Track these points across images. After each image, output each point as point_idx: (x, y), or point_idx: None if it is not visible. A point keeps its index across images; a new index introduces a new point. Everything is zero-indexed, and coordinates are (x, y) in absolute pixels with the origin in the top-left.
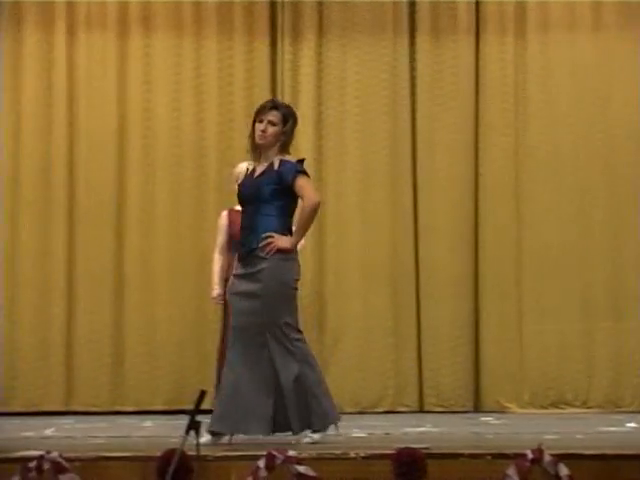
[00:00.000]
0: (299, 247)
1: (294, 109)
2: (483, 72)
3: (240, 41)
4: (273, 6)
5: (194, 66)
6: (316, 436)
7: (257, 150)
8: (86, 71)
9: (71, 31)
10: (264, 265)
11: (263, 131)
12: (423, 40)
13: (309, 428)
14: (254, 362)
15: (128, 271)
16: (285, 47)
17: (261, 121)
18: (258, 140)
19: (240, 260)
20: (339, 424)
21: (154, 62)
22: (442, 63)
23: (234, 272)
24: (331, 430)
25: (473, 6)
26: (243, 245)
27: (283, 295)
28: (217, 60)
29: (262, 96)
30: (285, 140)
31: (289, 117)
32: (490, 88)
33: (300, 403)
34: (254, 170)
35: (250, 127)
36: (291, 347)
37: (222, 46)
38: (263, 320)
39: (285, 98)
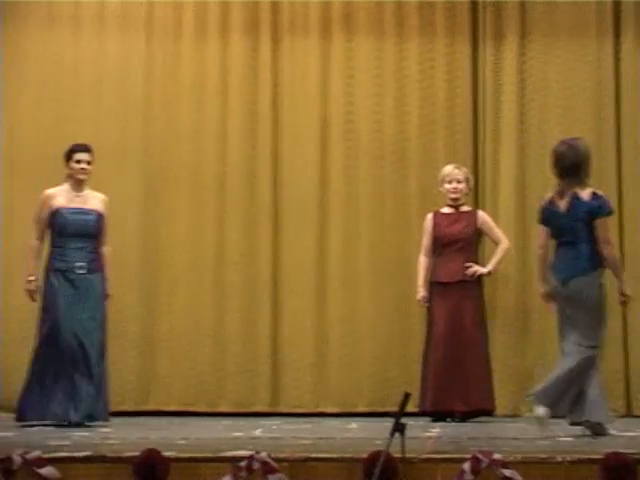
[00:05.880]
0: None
1: None
2: None
3: (441, 42)
4: (475, 7)
5: (395, 68)
6: None
7: None
8: (290, 73)
9: (275, 37)
10: None
11: None
12: (628, 40)
13: None
14: None
15: (331, 272)
16: (487, 49)
17: None
18: None
19: None
20: None
21: (356, 64)
22: None
23: None
24: None
25: None
26: None
27: None
28: (418, 62)
29: (463, 98)
30: None
31: None
32: None
33: None
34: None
35: None
36: None
37: (423, 48)
38: None
39: (487, 100)
